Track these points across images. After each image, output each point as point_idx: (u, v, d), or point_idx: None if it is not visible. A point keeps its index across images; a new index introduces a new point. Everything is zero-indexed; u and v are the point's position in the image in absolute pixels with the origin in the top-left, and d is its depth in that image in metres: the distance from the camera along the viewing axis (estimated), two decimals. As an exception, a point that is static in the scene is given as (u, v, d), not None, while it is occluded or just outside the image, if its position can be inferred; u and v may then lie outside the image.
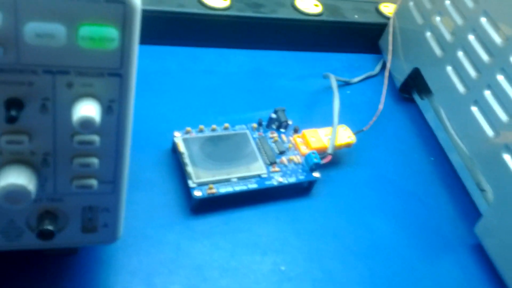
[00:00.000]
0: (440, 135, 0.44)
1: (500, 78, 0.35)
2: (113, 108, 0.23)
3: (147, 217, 0.34)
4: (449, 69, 0.40)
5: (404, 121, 0.47)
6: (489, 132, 0.35)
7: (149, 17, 0.45)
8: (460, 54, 0.39)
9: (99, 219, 0.26)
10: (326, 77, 0.44)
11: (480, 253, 0.37)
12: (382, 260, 0.35)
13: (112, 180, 0.25)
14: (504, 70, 0.34)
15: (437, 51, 0.42)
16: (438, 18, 0.42)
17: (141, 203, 0.34)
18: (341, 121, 0.42)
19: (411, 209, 0.39)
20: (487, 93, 0.36)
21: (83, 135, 0.23)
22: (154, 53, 0.46)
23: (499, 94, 0.35)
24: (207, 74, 0.46)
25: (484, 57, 0.36)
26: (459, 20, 0.39)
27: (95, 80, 0.22)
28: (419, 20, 0.45)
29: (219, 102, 0.43)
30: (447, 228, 0.39)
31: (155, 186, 0.36)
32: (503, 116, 0.34)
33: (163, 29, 0.46)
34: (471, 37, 0.38)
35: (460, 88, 0.39)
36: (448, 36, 0.41)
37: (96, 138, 0.23)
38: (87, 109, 0.21)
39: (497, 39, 0.35)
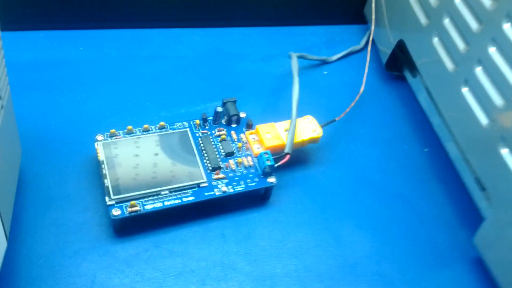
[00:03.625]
0: (434, 121, 0.38)
1: (492, 50, 0.29)
2: None
3: (60, 242, 0.30)
4: (435, 40, 0.34)
5: (393, 105, 0.41)
6: (483, 120, 0.30)
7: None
8: (446, 21, 0.33)
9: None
10: (289, 57, 0.38)
11: (481, 268, 0.31)
12: (357, 283, 0.30)
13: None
14: (495, 41, 0.28)
15: (422, 18, 0.36)
16: (422, -22, 0.36)
17: (54, 224, 0.30)
18: (312, 109, 0.37)
19: (396, 215, 0.34)
20: (478, 70, 0.30)
21: None
22: (89, 39, 0.42)
23: (492, 71, 0.29)
24: (152, 60, 0.41)
25: (473, 24, 0.31)
26: (445, -21, 0.34)
27: None
28: (403, -19, 0.39)
29: (164, 94, 0.39)
30: (442, 238, 0.33)
31: (72, 203, 0.31)
32: (497, 99, 0.29)
33: (99, 10, 0.41)
34: (458, 0, 0.32)
35: (448, 64, 0.33)
36: (432, 0, 0.35)
37: None
38: None
39: (486, 1, 0.29)
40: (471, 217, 0.34)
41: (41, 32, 0.41)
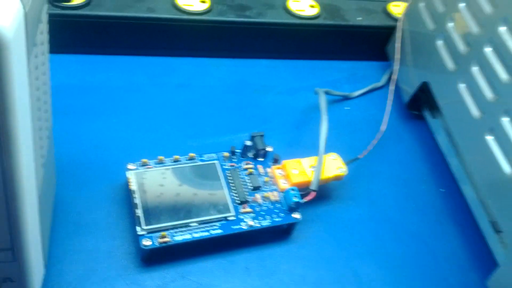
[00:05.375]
0: (452, 162, 0.39)
1: (520, 103, 0.29)
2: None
3: (88, 270, 0.30)
4: (462, 86, 0.35)
5: (412, 144, 0.42)
6: (506, 168, 0.30)
7: (114, 24, 0.41)
8: (475, 69, 0.34)
9: (3, 290, 0.22)
10: (316, 93, 0.39)
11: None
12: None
13: (10, 247, 0.21)
14: (524, 95, 0.29)
15: (449, 64, 0.37)
16: (451, 24, 0.37)
17: (82, 251, 0.30)
18: (335, 145, 0.38)
19: (412, 254, 0.35)
20: (505, 120, 0.31)
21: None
22: (119, 65, 0.42)
23: (518, 124, 0.29)
24: (180, 89, 0.42)
25: (503, 76, 0.31)
26: (474, 28, 0.34)
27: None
28: (430, 24, 0.40)
29: (191, 123, 0.39)
30: (455, 279, 0.34)
31: (101, 230, 0.32)
32: (522, 151, 0.29)
33: (131, 37, 0.42)
34: (488, 50, 0.32)
35: (474, 111, 0.33)
36: (462, 47, 0.35)
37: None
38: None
39: (517, 54, 0.30)
40: (484, 260, 0.35)
41: (72, 56, 0.42)
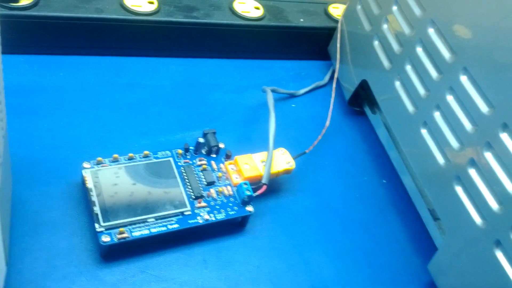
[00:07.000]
0: (392, 155, 0.41)
1: (450, 98, 0.32)
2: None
3: (48, 267, 0.30)
4: (397, 84, 0.38)
5: (354, 138, 0.44)
6: (440, 159, 0.33)
7: (63, 24, 0.41)
8: (408, 68, 0.36)
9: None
10: (264, 92, 0.40)
11: (433, 291, 0.34)
12: (322, 306, 0.33)
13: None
14: (453, 90, 0.32)
15: (385, 62, 0.39)
16: (385, 26, 0.39)
17: (42, 249, 0.31)
18: (283, 141, 0.40)
19: (358, 241, 0.37)
20: (436, 115, 0.33)
21: None
22: (69, 65, 0.42)
23: (449, 117, 0.32)
24: (130, 88, 0.42)
25: (433, 73, 0.34)
26: (406, 29, 0.37)
27: None
28: (366, 26, 0.42)
29: (143, 122, 0.40)
30: (399, 263, 0.36)
31: (59, 228, 0.32)
32: (453, 142, 0.32)
33: (80, 37, 0.42)
34: (419, 50, 0.35)
35: (409, 106, 0.36)
36: (396, 47, 0.38)
37: None
38: None
39: (445, 53, 0.33)
40: (425, 244, 0.37)
41: (21, 56, 0.42)
